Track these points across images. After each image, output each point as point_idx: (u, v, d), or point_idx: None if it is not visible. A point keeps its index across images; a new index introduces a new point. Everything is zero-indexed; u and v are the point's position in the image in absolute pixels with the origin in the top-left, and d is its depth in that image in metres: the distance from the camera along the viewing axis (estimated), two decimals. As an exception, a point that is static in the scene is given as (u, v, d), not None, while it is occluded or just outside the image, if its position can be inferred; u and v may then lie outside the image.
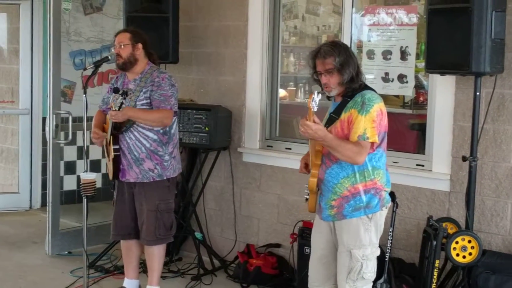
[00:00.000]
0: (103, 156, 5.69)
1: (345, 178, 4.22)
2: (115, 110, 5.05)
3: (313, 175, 4.26)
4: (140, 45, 5.39)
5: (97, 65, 5.36)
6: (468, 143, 5.12)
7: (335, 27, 6.88)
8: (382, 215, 4.34)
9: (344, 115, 4.14)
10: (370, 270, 4.29)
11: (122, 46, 5.33)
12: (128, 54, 5.34)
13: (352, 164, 4.15)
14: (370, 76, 5.79)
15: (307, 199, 4.40)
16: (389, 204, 4.40)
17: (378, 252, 4.35)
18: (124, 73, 5.48)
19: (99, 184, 5.68)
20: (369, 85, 5.73)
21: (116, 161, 5.36)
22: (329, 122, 4.22)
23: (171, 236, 5.56)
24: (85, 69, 5.41)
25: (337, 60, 4.11)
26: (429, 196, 5.45)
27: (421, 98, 6.09)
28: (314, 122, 3.94)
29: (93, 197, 5.31)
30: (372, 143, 4.12)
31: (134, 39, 5.38)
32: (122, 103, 5.01)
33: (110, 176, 5.46)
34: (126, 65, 5.37)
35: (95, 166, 7.88)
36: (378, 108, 4.13)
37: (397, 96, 6.17)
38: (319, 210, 4.41)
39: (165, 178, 5.41)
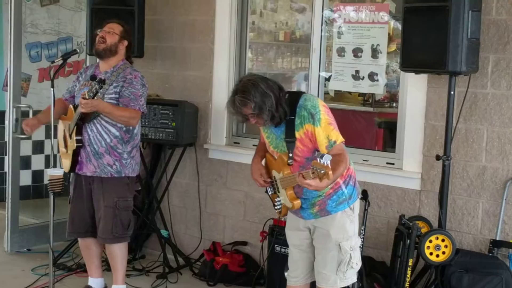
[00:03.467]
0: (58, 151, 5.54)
1: None
2: (89, 98, 4.89)
3: (293, 198, 4.23)
4: (126, 42, 5.31)
5: (65, 58, 5.20)
6: (439, 142, 5.15)
7: (292, 24, 6.85)
8: (358, 203, 4.40)
9: (298, 133, 4.10)
10: (357, 259, 4.36)
11: (112, 33, 5.23)
12: (112, 42, 5.23)
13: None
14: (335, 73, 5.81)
15: (277, 209, 4.41)
16: (360, 192, 4.44)
17: (360, 241, 4.44)
18: (95, 65, 5.37)
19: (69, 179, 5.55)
20: (339, 83, 5.82)
21: (76, 153, 5.24)
22: (290, 148, 4.15)
23: (127, 236, 5.43)
24: (53, 62, 5.25)
25: (252, 106, 4.06)
26: (399, 195, 5.46)
27: (384, 96, 6.11)
28: None
29: (61, 194, 5.15)
30: (342, 142, 4.11)
31: (124, 35, 5.30)
32: (97, 92, 4.86)
33: (67, 169, 5.33)
34: (105, 52, 5.24)
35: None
36: (323, 107, 4.12)
37: (349, 93, 6.17)
38: (296, 210, 4.38)
39: (124, 175, 5.30)
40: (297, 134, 4.10)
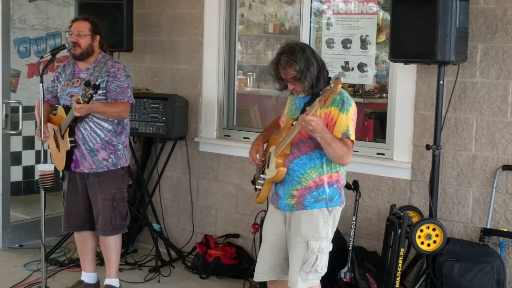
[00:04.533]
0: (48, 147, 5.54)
1: (312, 169, 4.21)
2: (83, 103, 4.87)
3: (280, 165, 4.22)
4: (98, 37, 5.29)
5: (54, 53, 5.18)
6: (429, 132, 5.17)
7: (281, 16, 6.85)
8: (339, 211, 4.36)
9: (319, 112, 4.09)
10: (324, 264, 4.29)
11: (83, 35, 5.19)
12: (87, 44, 5.21)
13: (337, 163, 4.18)
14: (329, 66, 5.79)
15: (258, 190, 4.40)
16: (344, 203, 4.40)
17: (331, 247, 4.34)
18: (73, 62, 5.35)
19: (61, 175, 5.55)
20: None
21: (69, 153, 5.24)
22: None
23: (125, 227, 5.48)
24: (41, 57, 5.25)
25: (297, 69, 4.10)
26: (390, 185, 5.48)
27: (374, 87, 6.12)
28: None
29: (51, 189, 5.15)
30: (352, 142, 4.16)
31: (94, 30, 5.26)
32: (91, 97, 4.84)
33: (61, 167, 5.33)
34: (83, 56, 5.24)
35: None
36: (354, 107, 4.18)
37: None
38: (274, 199, 4.40)
39: (119, 167, 5.34)
40: (318, 111, 4.06)
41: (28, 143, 8.33)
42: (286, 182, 4.26)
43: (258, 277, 4.52)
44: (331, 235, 4.31)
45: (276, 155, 4.23)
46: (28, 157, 8.41)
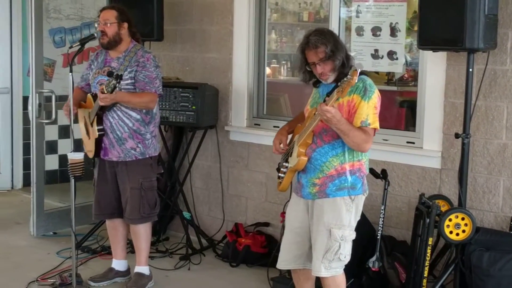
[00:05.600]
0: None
1: (334, 157, 4.22)
2: (107, 93, 4.91)
3: (302, 154, 4.24)
4: (125, 24, 5.30)
5: (83, 42, 5.24)
6: (459, 120, 5.11)
7: (316, 4, 6.82)
8: (362, 200, 4.36)
9: (342, 99, 4.10)
10: (347, 252, 4.29)
11: (108, 24, 5.22)
12: (113, 33, 5.24)
13: (357, 150, 4.20)
14: (355, 53, 5.78)
15: (281, 178, 4.41)
16: (367, 192, 4.40)
17: (354, 236, 4.34)
18: (105, 50, 5.39)
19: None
20: (358, 61, 5.76)
21: (99, 141, 5.30)
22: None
23: (155, 215, 5.52)
24: (71, 47, 5.29)
25: (328, 47, 4.12)
26: (420, 174, 5.43)
27: (405, 75, 6.06)
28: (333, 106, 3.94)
29: (81, 177, 5.21)
30: (374, 129, 4.15)
31: (120, 18, 5.27)
32: (115, 87, 4.88)
33: (91, 155, 5.39)
34: (111, 44, 5.27)
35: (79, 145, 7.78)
36: (378, 95, 4.18)
37: (376, 73, 6.13)
38: (297, 187, 4.41)
39: (147, 156, 5.37)
40: (340, 99, 4.07)
41: (64, 132, 8.44)
42: (309, 171, 4.27)
43: (282, 265, 4.55)
44: (354, 224, 4.31)
45: (298, 144, 4.25)
46: (64, 146, 8.51)
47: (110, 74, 4.91)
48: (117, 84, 4.87)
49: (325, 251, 4.23)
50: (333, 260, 4.24)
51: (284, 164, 4.39)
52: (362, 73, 4.18)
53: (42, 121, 6.66)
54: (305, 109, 4.48)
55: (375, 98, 4.14)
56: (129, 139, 5.26)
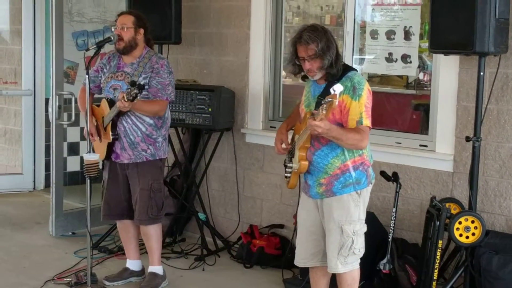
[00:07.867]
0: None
1: (334, 158, 4.29)
2: (127, 101, 4.95)
3: (302, 158, 4.31)
4: (142, 30, 5.37)
5: (99, 45, 5.31)
6: (471, 123, 5.11)
7: (338, 7, 6.84)
8: (368, 191, 4.43)
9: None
10: (360, 245, 4.37)
11: (125, 28, 5.29)
12: (130, 37, 5.31)
13: (355, 149, 4.26)
14: (370, 56, 5.83)
15: (287, 177, 4.47)
16: (374, 180, 4.47)
17: (365, 228, 4.41)
18: (118, 54, 5.45)
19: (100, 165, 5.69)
20: (372, 65, 5.81)
21: (111, 144, 5.38)
22: (318, 106, 4.20)
23: (161, 217, 5.58)
24: (87, 49, 5.38)
25: (319, 46, 4.15)
26: (432, 177, 5.44)
27: (424, 79, 6.07)
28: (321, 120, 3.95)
29: (97, 178, 5.29)
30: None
31: (138, 24, 5.35)
32: (136, 96, 4.92)
33: (101, 157, 5.47)
34: (126, 49, 5.34)
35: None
36: (367, 90, 4.21)
37: (400, 77, 6.15)
38: (305, 188, 4.48)
39: (157, 158, 5.44)
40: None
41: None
42: (313, 172, 4.34)
43: (300, 263, 4.62)
44: (363, 217, 4.38)
45: (298, 148, 4.31)
46: (85, 148, 8.60)
47: (133, 83, 4.97)
48: (139, 94, 4.94)
49: (339, 248, 4.30)
50: (348, 256, 4.31)
51: (288, 164, 4.45)
52: (350, 68, 4.30)
53: (62, 122, 6.75)
54: (300, 108, 4.53)
55: (365, 95, 4.18)
56: (142, 142, 5.34)
